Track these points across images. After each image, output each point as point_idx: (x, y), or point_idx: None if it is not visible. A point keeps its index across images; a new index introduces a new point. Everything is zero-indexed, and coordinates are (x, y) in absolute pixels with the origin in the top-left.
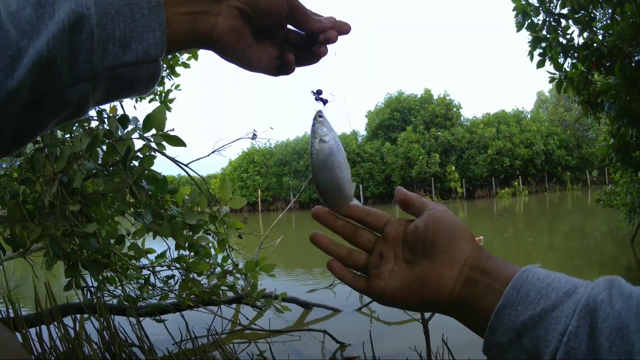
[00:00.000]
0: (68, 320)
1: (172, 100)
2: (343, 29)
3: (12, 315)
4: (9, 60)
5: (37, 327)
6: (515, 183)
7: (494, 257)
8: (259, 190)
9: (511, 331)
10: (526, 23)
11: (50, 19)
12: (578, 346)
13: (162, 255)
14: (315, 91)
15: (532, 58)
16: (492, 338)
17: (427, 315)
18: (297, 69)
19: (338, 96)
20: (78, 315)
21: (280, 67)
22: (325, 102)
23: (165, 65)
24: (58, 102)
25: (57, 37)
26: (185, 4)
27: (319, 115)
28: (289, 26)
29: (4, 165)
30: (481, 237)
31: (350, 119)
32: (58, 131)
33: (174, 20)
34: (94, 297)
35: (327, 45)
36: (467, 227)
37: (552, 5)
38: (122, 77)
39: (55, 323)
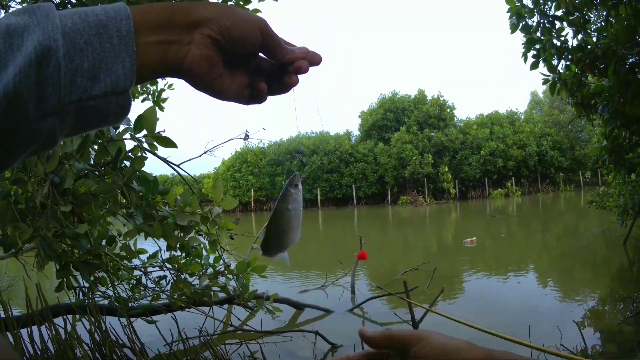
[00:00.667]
0: (59, 321)
1: (164, 100)
2: (314, 59)
3: (2, 315)
4: None
5: (29, 328)
6: (508, 184)
7: None
8: (252, 190)
9: None
10: (520, 25)
11: (19, 50)
12: None
13: (154, 255)
14: (295, 151)
15: (525, 59)
16: None
17: (417, 317)
18: (268, 98)
19: (326, 105)
20: (69, 316)
21: (251, 96)
22: (303, 163)
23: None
24: (26, 136)
25: (23, 71)
26: (156, 33)
27: (295, 184)
28: (260, 54)
29: None
30: (474, 237)
31: (322, 122)
32: None
33: (145, 50)
34: (86, 297)
35: (298, 76)
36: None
37: (546, 7)
38: (90, 110)
39: (46, 324)
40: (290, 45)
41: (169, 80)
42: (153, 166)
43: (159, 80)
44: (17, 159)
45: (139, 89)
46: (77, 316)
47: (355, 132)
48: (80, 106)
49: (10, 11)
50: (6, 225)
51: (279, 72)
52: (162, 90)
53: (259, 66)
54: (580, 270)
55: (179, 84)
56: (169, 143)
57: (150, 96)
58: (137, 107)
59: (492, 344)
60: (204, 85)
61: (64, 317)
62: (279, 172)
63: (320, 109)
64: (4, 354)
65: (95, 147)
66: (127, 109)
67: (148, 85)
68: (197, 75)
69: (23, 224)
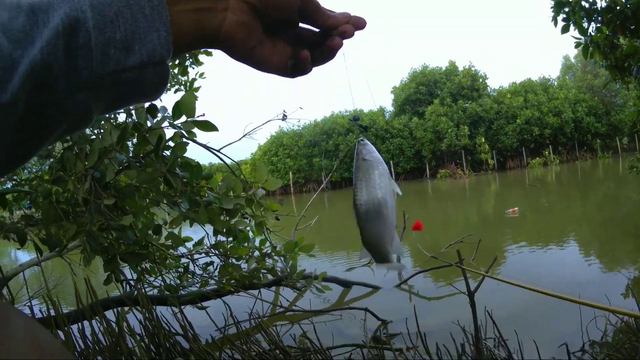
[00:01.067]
0: (110, 315)
1: (197, 89)
2: (359, 23)
3: (53, 314)
4: (1, 73)
5: (79, 324)
6: (546, 152)
7: None
8: (290, 172)
9: None
10: None
11: (45, 26)
12: None
13: (200, 242)
14: (353, 118)
15: (556, 23)
16: None
17: (472, 287)
18: (313, 69)
19: (360, 82)
20: (120, 309)
21: (294, 67)
22: (365, 128)
23: (188, 55)
24: (58, 114)
25: (50, 43)
26: (189, 0)
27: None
28: (301, 25)
29: (34, 169)
30: (516, 208)
31: (374, 99)
32: (87, 129)
33: (179, 19)
34: (134, 289)
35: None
36: None
37: None
38: (127, 82)
39: (97, 318)
40: (331, 11)
41: (200, 69)
42: (190, 156)
43: (190, 69)
44: (47, 142)
45: (171, 80)
46: (127, 308)
47: (389, 107)
48: (115, 79)
49: None
50: (50, 225)
51: (322, 41)
52: (194, 79)
53: (301, 36)
54: (622, 238)
55: (210, 68)
56: (209, 127)
57: (182, 86)
58: (170, 98)
59: (548, 305)
60: (243, 55)
61: (115, 310)
62: (315, 153)
63: (353, 86)
64: (57, 352)
65: (134, 140)
66: (165, 80)
67: (179, 76)
68: (235, 43)
69: (67, 222)
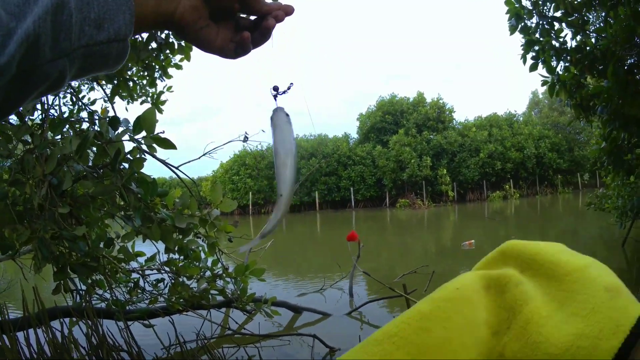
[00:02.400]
0: (56, 324)
1: (163, 102)
2: (288, 9)
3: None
4: (0, 39)
5: (25, 331)
6: (507, 186)
7: None
8: (250, 193)
9: None
10: (519, 26)
11: (35, 3)
12: None
13: (152, 258)
14: (273, 88)
15: (525, 61)
16: None
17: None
18: (252, 52)
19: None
20: (66, 319)
21: (236, 49)
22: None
23: (157, 67)
24: (40, 76)
25: (42, 18)
26: None
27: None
28: (240, 14)
29: None
30: (472, 240)
31: (313, 123)
32: (48, 132)
33: (141, 3)
34: (83, 300)
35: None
36: None
37: (545, 8)
38: (95, 54)
39: (43, 327)
40: (264, 1)
41: (168, 82)
42: (150, 169)
43: (158, 82)
44: (29, 99)
45: (138, 91)
46: (74, 319)
47: (354, 134)
48: (87, 51)
49: None
50: (4, 227)
51: (257, 26)
52: (161, 92)
53: (240, 24)
54: None
55: (178, 86)
56: (168, 144)
57: (149, 98)
58: (137, 110)
59: None
60: (192, 36)
61: (61, 320)
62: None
63: (312, 110)
64: None
65: (94, 148)
66: (125, 54)
67: (147, 88)
68: (187, 24)
69: (21, 226)
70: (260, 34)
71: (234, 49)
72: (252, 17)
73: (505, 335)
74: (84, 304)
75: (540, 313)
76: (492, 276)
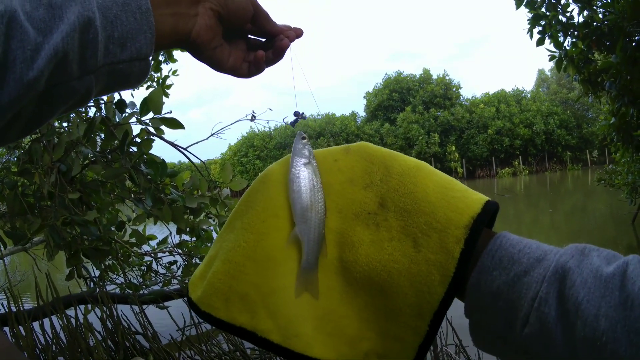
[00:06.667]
0: (71, 312)
1: (169, 86)
2: (298, 32)
3: (14, 309)
4: (29, 54)
5: (40, 320)
6: (516, 163)
7: None
8: (259, 174)
9: (488, 295)
10: (525, 0)
11: (60, 19)
12: (548, 311)
13: (164, 241)
14: (295, 113)
15: (531, 36)
16: (471, 302)
17: None
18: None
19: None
20: (81, 306)
21: (250, 68)
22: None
23: (162, 51)
24: (67, 92)
25: (70, 35)
26: (169, 6)
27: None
28: (250, 36)
29: (3, 160)
30: None
31: (316, 102)
32: (55, 121)
33: (160, 21)
34: (97, 286)
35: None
36: None
37: None
38: (119, 72)
39: (57, 315)
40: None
41: (173, 66)
42: (158, 154)
43: (163, 66)
44: (55, 114)
45: None
46: (89, 306)
47: (361, 113)
48: (111, 69)
49: None
50: (15, 218)
51: (270, 45)
52: (167, 76)
53: (251, 44)
54: None
55: (185, 68)
56: (175, 124)
57: (154, 83)
58: (143, 94)
59: None
60: (206, 55)
61: (76, 307)
62: (286, 155)
63: (315, 91)
64: (5, 353)
65: (102, 134)
66: (147, 72)
67: (152, 72)
68: (201, 43)
69: (32, 216)
70: (274, 54)
71: (247, 68)
72: (262, 39)
73: (379, 187)
74: (97, 290)
75: (410, 164)
76: (349, 145)
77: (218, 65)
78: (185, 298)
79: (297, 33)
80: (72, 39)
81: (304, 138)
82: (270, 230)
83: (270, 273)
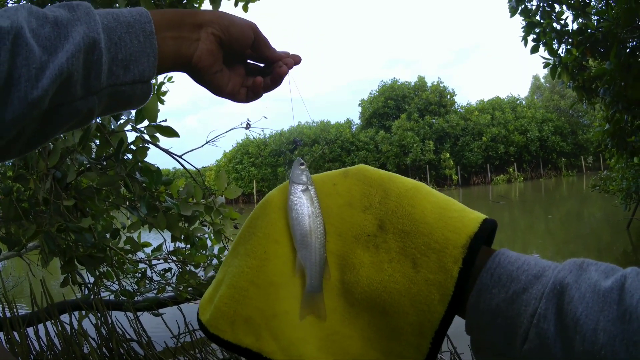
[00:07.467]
0: (65, 318)
1: (164, 93)
2: (297, 59)
3: (9, 315)
4: (34, 72)
5: (35, 326)
6: (510, 169)
7: None
8: (254, 181)
9: (487, 313)
10: (520, 8)
11: (66, 39)
12: (547, 327)
13: (159, 248)
14: (293, 140)
15: (526, 43)
16: (471, 320)
17: None
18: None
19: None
20: (76, 312)
21: (248, 94)
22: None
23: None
24: (70, 112)
25: (75, 56)
26: (172, 30)
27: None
28: (249, 61)
29: None
30: None
31: (308, 112)
32: None
33: (163, 44)
34: (91, 293)
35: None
36: None
37: None
38: (121, 94)
39: (52, 321)
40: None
41: (169, 73)
42: (153, 161)
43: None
44: (58, 132)
45: None
46: (84, 312)
47: (356, 120)
48: (114, 90)
49: (47, 6)
50: (9, 224)
51: (269, 71)
52: (162, 83)
53: (250, 69)
54: (585, 255)
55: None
56: (171, 132)
57: None
58: None
59: None
60: (206, 79)
61: (70, 313)
62: (280, 162)
63: (306, 101)
64: (1, 358)
65: (97, 141)
66: (148, 95)
67: None
68: (202, 67)
69: (26, 222)
70: (272, 80)
71: (246, 93)
72: (261, 64)
73: (378, 210)
74: (92, 297)
75: (407, 186)
76: (347, 168)
77: (217, 89)
78: (180, 306)
79: (296, 60)
80: (77, 59)
81: (302, 164)
82: (272, 256)
83: (272, 297)
